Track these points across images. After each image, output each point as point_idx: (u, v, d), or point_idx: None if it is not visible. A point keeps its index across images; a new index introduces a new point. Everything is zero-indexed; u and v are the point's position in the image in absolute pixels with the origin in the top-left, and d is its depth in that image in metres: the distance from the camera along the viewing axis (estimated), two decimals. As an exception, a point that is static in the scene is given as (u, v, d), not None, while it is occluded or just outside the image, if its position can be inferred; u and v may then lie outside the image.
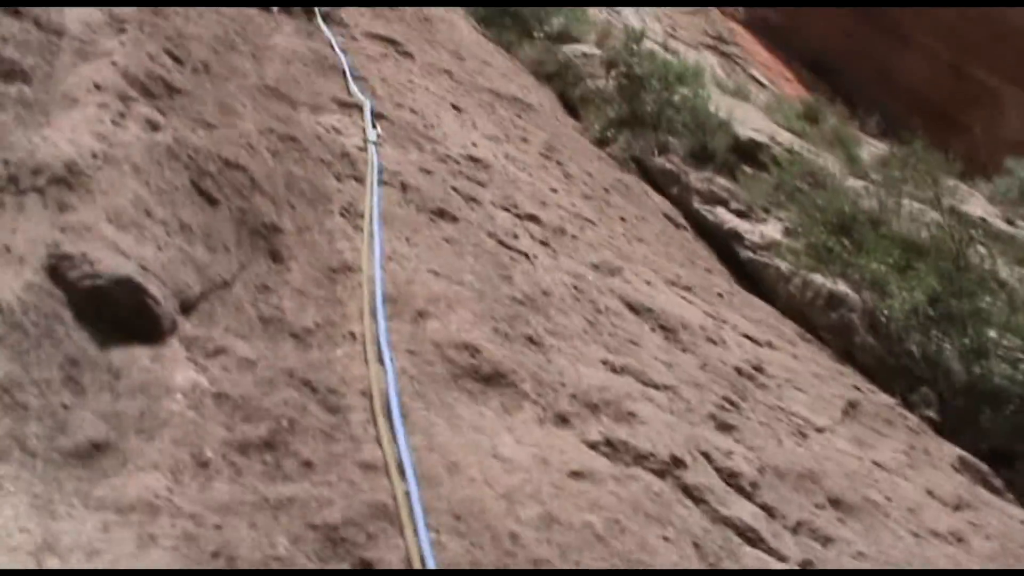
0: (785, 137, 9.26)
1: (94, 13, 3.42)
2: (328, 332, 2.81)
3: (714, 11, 25.37)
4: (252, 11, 5.76)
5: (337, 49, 5.98)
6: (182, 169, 3.05)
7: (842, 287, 6.25)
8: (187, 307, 2.55)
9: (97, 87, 3.03)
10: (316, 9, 7.23)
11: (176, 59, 3.65)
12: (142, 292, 2.36)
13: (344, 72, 5.36)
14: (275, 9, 6.33)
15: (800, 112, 11.67)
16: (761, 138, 8.80)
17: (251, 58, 4.58)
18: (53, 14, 3.24)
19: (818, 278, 6.40)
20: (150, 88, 3.28)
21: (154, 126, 3.11)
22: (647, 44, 11.51)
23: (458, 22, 10.29)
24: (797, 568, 2.73)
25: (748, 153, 8.45)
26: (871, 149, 10.62)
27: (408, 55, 7.03)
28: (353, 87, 5.15)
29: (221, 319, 2.63)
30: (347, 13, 7.87)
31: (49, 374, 2.12)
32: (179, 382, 2.27)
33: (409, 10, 9.16)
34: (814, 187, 7.60)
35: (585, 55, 10.93)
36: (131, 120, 3.02)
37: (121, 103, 3.06)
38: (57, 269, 2.27)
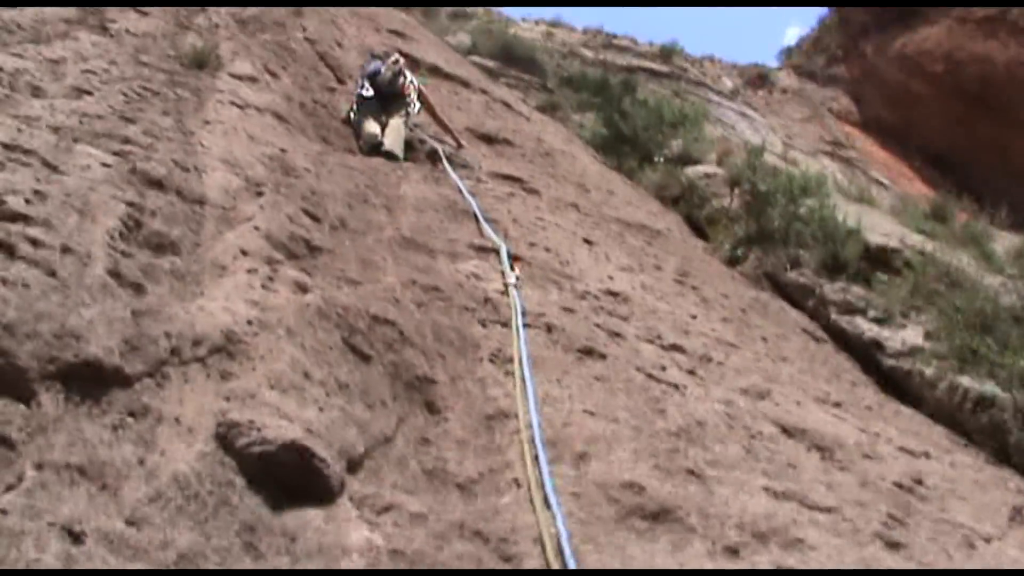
0: (916, 239, 12.05)
1: (232, 180, 5.13)
2: (492, 480, 4.11)
3: (829, 116, 34.54)
4: (378, 162, 8.07)
5: (466, 193, 8.15)
6: (333, 328, 4.50)
7: (990, 388, 8.28)
8: (353, 466, 3.80)
9: (244, 253, 4.62)
10: (442, 154, 9.89)
11: (314, 218, 5.32)
12: (310, 455, 3.58)
13: (475, 215, 7.54)
14: (403, 163, 8.87)
15: (927, 212, 15.43)
16: (892, 243, 11.57)
17: (384, 210, 6.47)
18: (194, 183, 4.94)
19: (965, 380, 8.50)
20: (293, 249, 4.88)
21: (302, 287, 4.63)
22: (768, 158, 15.21)
23: (578, 153, 13.89)
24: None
25: (880, 259, 11.20)
26: (1004, 242, 13.52)
27: (534, 192, 9.66)
28: (486, 230, 7.20)
29: (387, 475, 3.89)
30: (470, 155, 10.48)
31: (228, 541, 3.36)
32: (354, 541, 3.40)
33: (529, 145, 12.09)
34: (951, 288, 10.07)
35: (708, 175, 14.94)
36: (280, 283, 4.55)
37: (268, 267, 4.61)
38: (226, 438, 3.51)
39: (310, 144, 8.07)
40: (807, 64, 39.79)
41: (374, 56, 11.27)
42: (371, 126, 9.73)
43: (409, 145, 9.97)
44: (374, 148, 9.35)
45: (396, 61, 10.80)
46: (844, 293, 10.47)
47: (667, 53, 34.32)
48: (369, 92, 10.13)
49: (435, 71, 14.12)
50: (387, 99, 10.21)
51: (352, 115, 10.14)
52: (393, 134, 9.74)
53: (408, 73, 10.77)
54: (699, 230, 13.27)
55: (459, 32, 25.35)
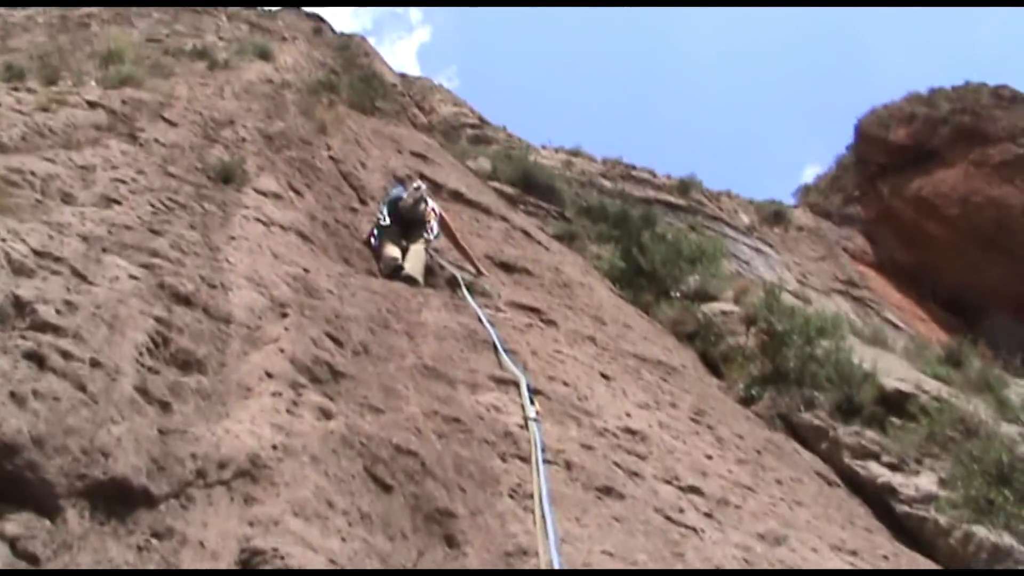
0: (931, 385, 12.26)
1: (258, 299, 5.26)
2: (512, 621, 4.06)
3: (844, 255, 35.25)
4: (400, 287, 8.25)
5: (485, 323, 8.33)
6: (356, 457, 4.53)
7: (1007, 539, 8.38)
8: (372, 601, 4.04)
9: (269, 375, 4.70)
10: (461, 282, 10.07)
11: (337, 342, 5.40)
12: (332, 588, 3.90)
13: (495, 346, 7.69)
14: (424, 289, 9.08)
15: (942, 356, 15.82)
16: (907, 387, 11.77)
17: (406, 336, 6.55)
18: (220, 301, 5.05)
19: (980, 531, 8.56)
20: (317, 374, 4.95)
21: (326, 414, 4.69)
22: (783, 296, 15.28)
23: (596, 285, 14.10)
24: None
25: (895, 404, 11.38)
26: (1019, 389, 13.70)
27: (552, 323, 9.80)
28: (506, 361, 7.31)
29: (406, 611, 4.04)
30: (490, 283, 10.66)
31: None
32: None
33: (548, 275, 12.31)
34: (966, 435, 10.25)
35: (724, 312, 15.20)
36: (304, 408, 4.62)
37: (293, 391, 4.68)
38: (249, 564, 3.53)
39: (333, 265, 8.22)
40: (823, 203, 40.72)
41: (398, 180, 11.56)
42: (391, 249, 9.94)
43: (429, 271, 10.16)
44: (393, 271, 9.52)
45: (418, 188, 11.12)
46: (858, 437, 10.58)
47: (685, 187, 34.99)
48: (387, 221, 10.39)
49: (457, 196, 14.42)
50: (408, 224, 10.46)
51: (373, 238, 10.34)
52: (414, 259, 9.93)
53: (430, 199, 11.04)
54: (714, 367, 13.45)
55: (479, 157, 25.84)
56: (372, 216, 10.94)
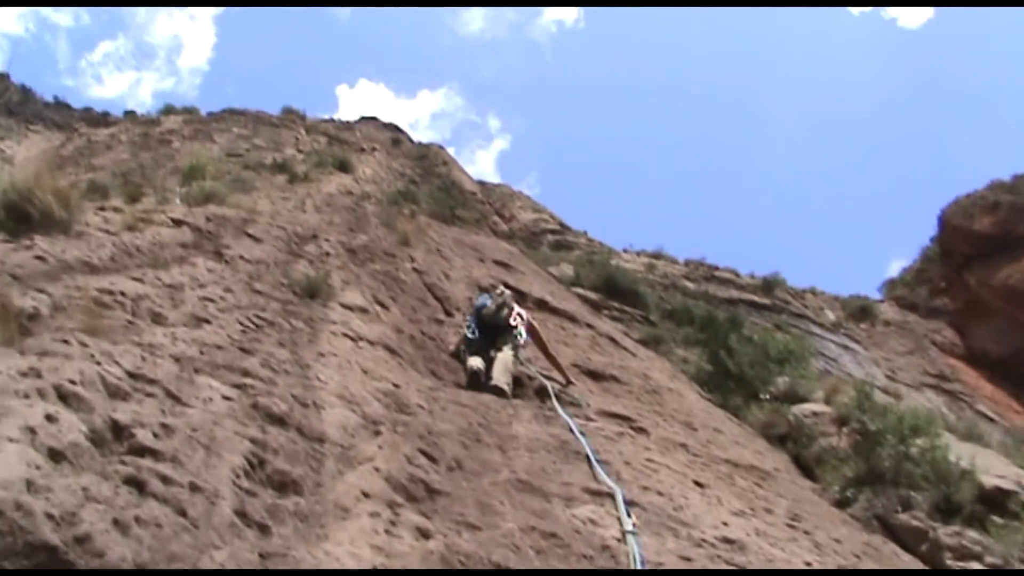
0: None
1: (350, 417, 5.43)
2: None
3: (932, 348, 34.88)
4: (489, 399, 8.34)
5: (577, 433, 8.32)
6: None
7: None
8: None
9: (365, 495, 4.73)
10: (551, 392, 10.11)
11: (431, 458, 5.42)
12: None
13: (587, 457, 7.65)
14: (514, 400, 9.14)
15: None
16: (1007, 484, 11.67)
17: (498, 450, 6.57)
18: (313, 420, 5.19)
19: None
20: (413, 492, 4.96)
21: (424, 533, 4.68)
22: (875, 394, 15.28)
23: (684, 390, 14.00)
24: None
25: (996, 502, 11.28)
26: None
27: (643, 431, 9.71)
28: (600, 473, 7.25)
29: None
30: (578, 392, 10.65)
31: None
32: None
33: (636, 382, 12.27)
34: None
35: (815, 413, 15.12)
36: (402, 528, 4.62)
37: (390, 510, 4.70)
38: None
39: (421, 379, 8.30)
40: (910, 296, 40.40)
41: (481, 290, 11.70)
42: (474, 360, 10.02)
43: (517, 381, 10.18)
44: (472, 380, 9.60)
45: (501, 293, 11.26)
46: (959, 537, 10.32)
47: (769, 285, 34.86)
48: (474, 334, 10.51)
49: (542, 305, 14.52)
50: (493, 332, 10.55)
51: (461, 351, 10.47)
52: (501, 368, 9.98)
53: (514, 305, 11.13)
54: (807, 470, 13.27)
55: (562, 263, 26.05)
56: (458, 328, 11.08)
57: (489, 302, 11.01)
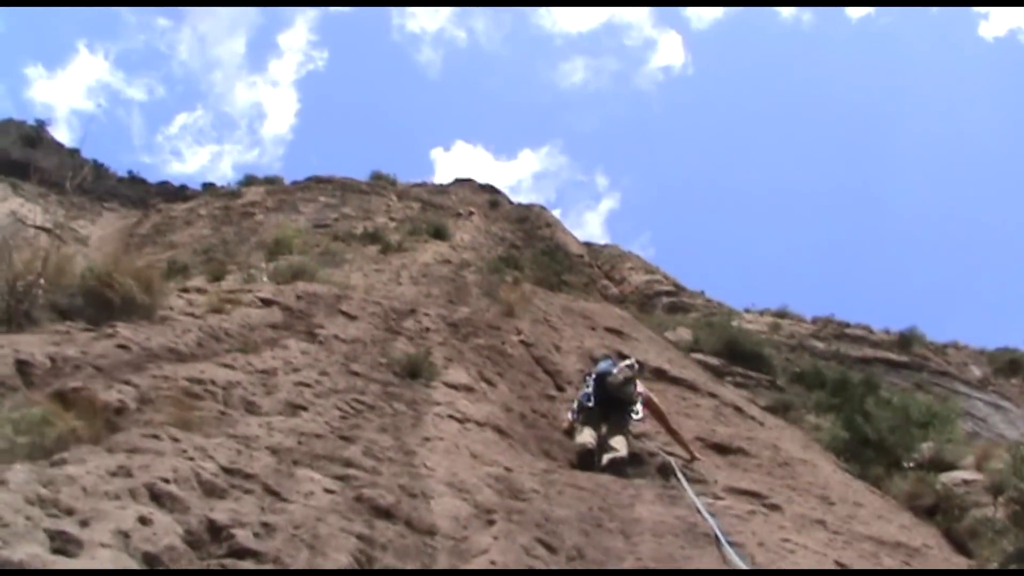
0: None
1: (461, 506, 5.45)
2: None
3: None
4: (608, 480, 8.29)
5: (705, 514, 8.15)
6: None
7: None
8: None
9: None
10: (676, 469, 9.97)
11: (550, 548, 5.34)
12: None
13: (718, 539, 7.45)
14: (635, 481, 9.05)
15: None
16: None
17: (621, 536, 6.46)
18: (423, 512, 5.27)
19: None
20: None
21: None
22: None
23: (818, 461, 13.62)
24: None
25: None
26: None
27: (776, 508, 9.50)
28: (732, 557, 7.03)
29: None
30: (704, 468, 10.52)
31: None
32: None
33: (766, 454, 12.03)
34: None
35: (966, 482, 14.60)
36: None
37: None
38: None
39: (534, 461, 8.27)
40: (1067, 345, 38.62)
41: (596, 359, 11.63)
42: (585, 435, 9.97)
43: (638, 458, 10.08)
44: (583, 459, 9.54)
45: (631, 366, 11.13)
46: None
47: (906, 341, 33.99)
48: (591, 402, 10.44)
49: (660, 374, 14.41)
50: (612, 403, 10.46)
51: (572, 415, 10.44)
52: (619, 444, 9.90)
53: (640, 382, 11.04)
54: (960, 545, 12.62)
55: (678, 327, 25.85)
56: (570, 402, 11.00)
57: (615, 370, 10.91)
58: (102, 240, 31.03)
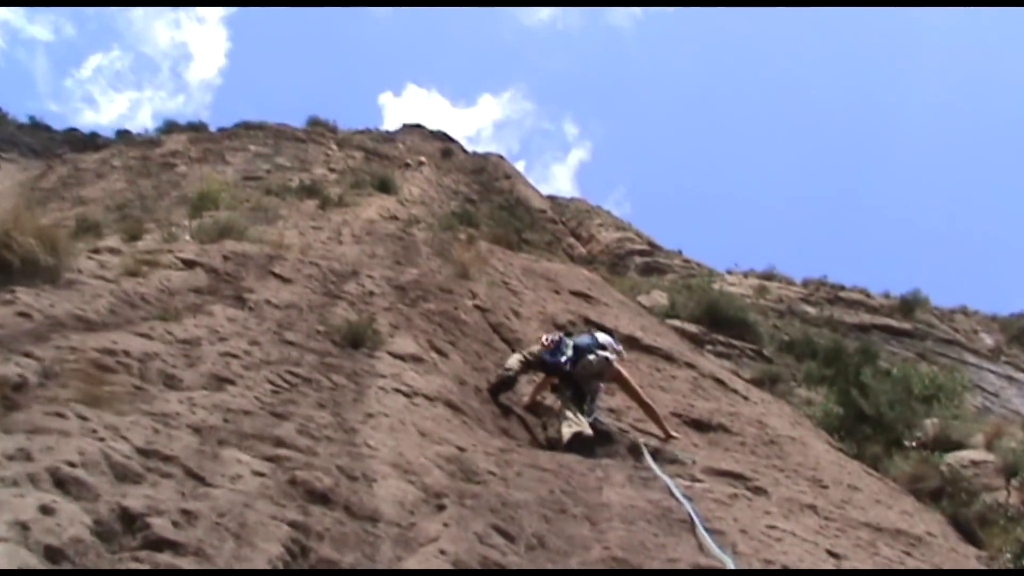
0: None
1: (407, 490, 5.38)
2: None
3: None
4: (573, 460, 8.29)
5: (680, 498, 8.16)
6: None
7: None
8: None
9: None
10: (645, 450, 10.03)
11: (507, 536, 5.39)
12: None
13: (695, 526, 7.44)
14: (602, 459, 9.00)
15: None
16: None
17: (587, 523, 6.50)
18: (364, 496, 5.15)
19: None
20: None
21: None
22: None
23: (809, 439, 13.71)
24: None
25: None
26: None
27: (761, 491, 9.56)
28: (710, 545, 7.06)
29: None
30: (680, 447, 10.51)
31: None
32: None
33: (750, 431, 12.14)
34: None
35: (974, 462, 14.70)
36: None
37: None
38: None
39: (490, 439, 8.27)
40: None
41: (564, 330, 11.57)
42: (579, 423, 9.91)
43: (607, 437, 10.08)
44: (584, 446, 9.52)
45: (620, 353, 11.13)
46: None
47: (908, 306, 34.29)
48: (566, 365, 10.47)
49: (632, 342, 14.41)
50: (580, 384, 10.46)
51: (562, 412, 10.36)
52: (583, 419, 9.92)
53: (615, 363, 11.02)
54: (969, 533, 12.74)
55: (653, 290, 25.95)
56: (533, 378, 10.97)
57: (595, 353, 10.86)
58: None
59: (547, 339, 10.93)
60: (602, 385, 10.97)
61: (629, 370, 11.74)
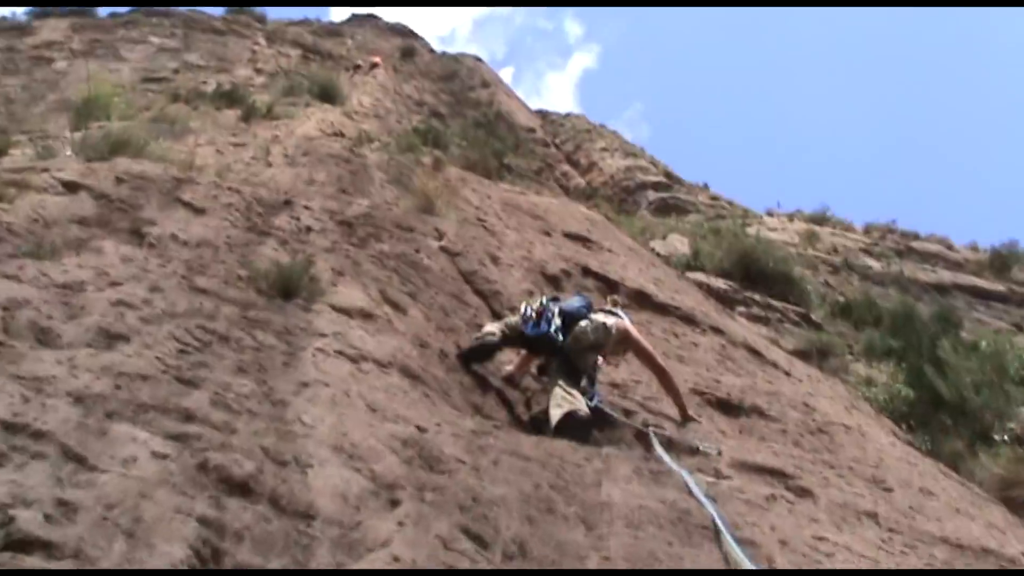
0: None
1: (352, 480, 5.50)
2: None
3: None
4: (566, 448, 8.20)
5: (701, 498, 8.05)
6: None
7: None
8: None
9: None
10: (654, 439, 9.98)
11: (479, 540, 5.41)
12: None
13: (720, 534, 7.48)
14: (602, 447, 8.98)
15: None
16: None
17: (582, 526, 6.53)
18: (296, 486, 5.10)
19: None
20: None
21: None
22: None
23: (869, 427, 13.73)
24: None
25: None
26: None
27: (806, 493, 9.53)
28: (740, 558, 7.12)
29: None
30: (702, 433, 10.39)
31: None
32: None
33: (793, 416, 12.12)
34: None
35: (1087, 465, 14.53)
36: None
37: None
38: None
39: (459, 418, 8.23)
40: None
41: (552, 296, 11.46)
42: (572, 398, 9.84)
43: (610, 422, 10.02)
44: (579, 428, 9.49)
45: (620, 321, 11.01)
46: None
47: (1002, 261, 34.14)
48: (554, 332, 10.40)
49: (642, 299, 14.37)
50: (571, 357, 10.40)
51: (545, 388, 10.35)
52: (578, 396, 9.86)
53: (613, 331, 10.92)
54: (1075, 558, 12.82)
55: (671, 234, 25.89)
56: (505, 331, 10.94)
57: (588, 319, 10.81)
58: None
59: (527, 309, 10.80)
60: (600, 359, 10.90)
61: (642, 333, 11.70)
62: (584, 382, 10.37)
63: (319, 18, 46.64)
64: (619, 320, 11.03)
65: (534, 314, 10.61)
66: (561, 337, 10.59)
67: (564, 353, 10.53)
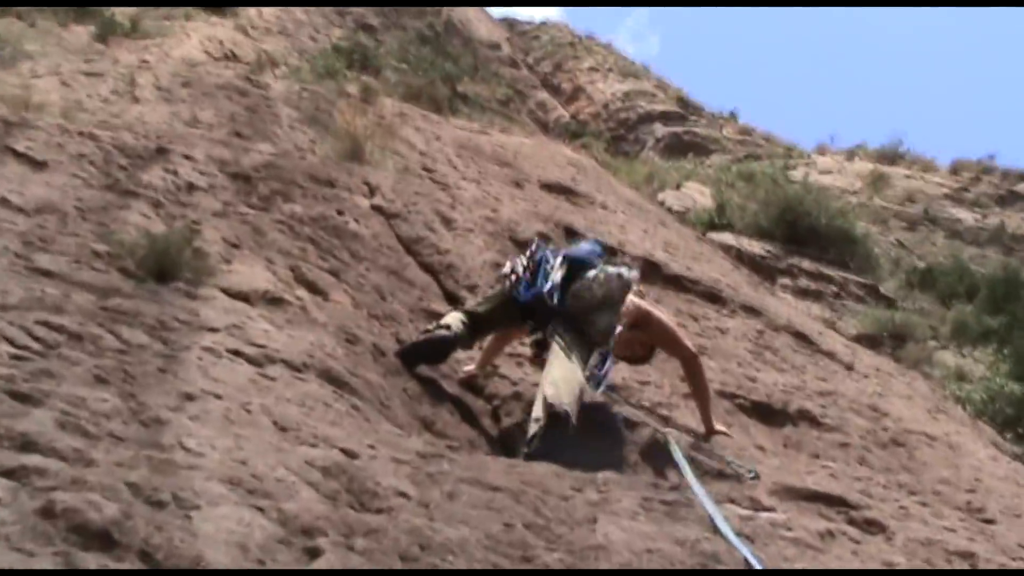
0: None
1: (254, 524, 5.16)
2: None
3: None
4: (546, 472, 8.07)
5: (731, 538, 7.96)
6: None
7: None
8: None
9: None
10: (674, 446, 9.87)
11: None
12: None
13: None
14: (599, 475, 8.87)
15: None
16: None
17: (576, 580, 6.41)
18: (176, 535, 4.99)
19: None
20: None
21: None
22: None
23: (963, 440, 13.96)
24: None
25: None
26: None
27: (876, 527, 9.49)
28: None
29: None
30: (733, 450, 10.45)
31: None
32: None
33: (856, 423, 12.23)
34: None
35: None
36: None
37: None
38: None
39: (402, 438, 8.20)
40: None
41: (534, 245, 11.31)
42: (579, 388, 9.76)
43: (618, 424, 9.98)
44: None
45: (635, 280, 10.87)
46: None
47: None
48: (549, 286, 10.23)
49: (648, 269, 14.31)
50: (574, 316, 10.25)
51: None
52: (562, 383, 9.69)
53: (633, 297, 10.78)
54: None
55: (686, 183, 25.74)
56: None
57: (610, 269, 10.63)
58: None
59: (512, 268, 10.65)
60: (618, 327, 10.68)
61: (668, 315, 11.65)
62: (594, 358, 10.29)
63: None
64: (636, 274, 10.93)
65: (526, 272, 10.47)
66: (556, 298, 10.45)
67: (569, 317, 10.43)
